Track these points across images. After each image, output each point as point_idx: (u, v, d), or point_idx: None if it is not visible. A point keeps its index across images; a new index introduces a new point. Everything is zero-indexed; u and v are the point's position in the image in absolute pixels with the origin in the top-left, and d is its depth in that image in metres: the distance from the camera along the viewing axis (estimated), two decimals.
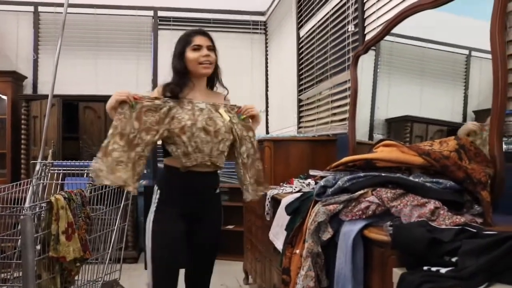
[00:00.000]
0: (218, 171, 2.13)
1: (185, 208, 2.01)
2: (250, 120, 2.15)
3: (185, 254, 2.08)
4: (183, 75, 2.04)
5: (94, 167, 1.90)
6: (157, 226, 2.00)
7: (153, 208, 2.03)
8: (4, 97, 4.71)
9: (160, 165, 5.13)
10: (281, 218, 2.14)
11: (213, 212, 2.12)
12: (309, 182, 2.37)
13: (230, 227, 4.63)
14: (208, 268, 2.18)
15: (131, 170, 1.93)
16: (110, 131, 1.97)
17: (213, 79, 2.16)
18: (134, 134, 1.95)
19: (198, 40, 2.04)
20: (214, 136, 1.99)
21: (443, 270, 1.02)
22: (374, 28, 2.74)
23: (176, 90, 2.00)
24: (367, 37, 2.81)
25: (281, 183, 2.76)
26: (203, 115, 2.00)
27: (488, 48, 1.60)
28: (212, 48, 2.07)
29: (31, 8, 5.12)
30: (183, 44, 2.06)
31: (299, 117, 4.32)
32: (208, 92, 2.15)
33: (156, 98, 2.00)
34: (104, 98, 4.98)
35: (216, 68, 2.13)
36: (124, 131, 1.95)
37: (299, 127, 4.31)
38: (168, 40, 5.26)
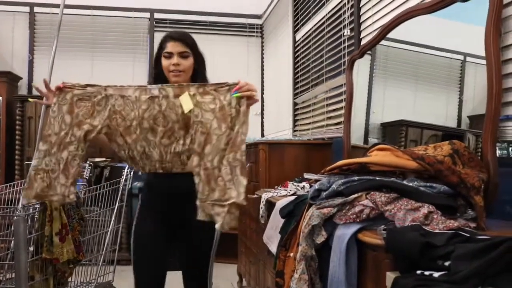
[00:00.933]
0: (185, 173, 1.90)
1: (163, 213, 1.92)
2: (245, 103, 1.70)
3: (166, 258, 1.98)
4: (159, 77, 1.93)
5: (29, 194, 1.71)
6: (136, 231, 1.96)
7: (136, 213, 1.99)
8: None
9: None
10: (276, 221, 2.14)
11: (197, 226, 1.82)
12: (303, 186, 2.37)
13: None
14: (198, 273, 2.01)
15: (61, 173, 1.70)
16: (35, 153, 1.77)
17: (195, 75, 1.96)
18: (66, 130, 1.69)
19: (170, 46, 1.88)
20: (165, 137, 1.72)
21: (436, 274, 1.02)
22: (370, 33, 2.75)
23: None
24: (363, 42, 2.82)
25: (275, 186, 2.76)
26: (152, 109, 1.71)
27: (483, 53, 1.61)
28: (187, 54, 1.89)
29: (27, 9, 5.10)
30: (158, 49, 1.94)
31: (295, 121, 4.32)
32: None
33: (88, 85, 1.74)
34: None
35: (196, 70, 1.94)
36: (52, 130, 1.69)
37: (294, 131, 4.31)
38: None
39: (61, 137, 1.69)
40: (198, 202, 1.68)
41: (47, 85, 1.76)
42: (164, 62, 1.89)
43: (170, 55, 1.88)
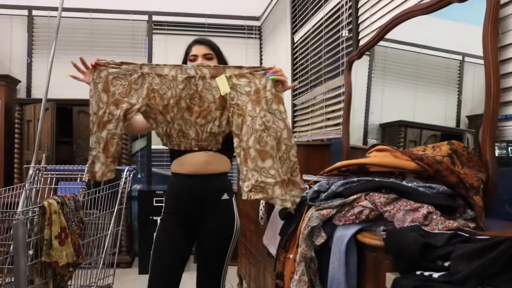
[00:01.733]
0: (225, 174, 2.01)
1: (184, 216, 2.00)
2: (280, 87, 1.76)
3: (183, 264, 2.03)
4: None
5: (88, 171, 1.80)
6: (158, 237, 2.02)
7: (161, 217, 2.06)
8: None
9: (155, 170, 5.14)
10: (275, 223, 2.14)
11: (217, 220, 1.99)
12: None
13: None
14: (212, 275, 2.05)
15: (102, 151, 1.73)
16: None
17: None
18: (103, 109, 1.71)
19: (195, 50, 2.01)
20: (201, 117, 1.77)
21: (435, 275, 1.02)
22: (368, 34, 2.76)
23: None
24: (361, 43, 2.82)
25: None
26: (188, 89, 1.75)
27: (481, 53, 1.62)
28: (211, 56, 2.01)
29: (25, 12, 5.10)
30: (184, 54, 2.06)
31: (293, 122, 4.33)
32: None
33: (123, 63, 1.76)
34: None
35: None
36: (92, 110, 1.71)
37: (293, 132, 4.31)
38: (163, 44, 5.28)
39: (99, 116, 1.70)
40: (240, 182, 1.75)
41: (83, 62, 1.81)
42: (190, 64, 1.95)
43: (195, 58, 1.98)
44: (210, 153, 1.90)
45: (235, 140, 1.74)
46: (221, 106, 1.75)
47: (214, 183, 1.98)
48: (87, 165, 1.79)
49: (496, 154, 1.60)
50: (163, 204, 2.09)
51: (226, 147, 1.91)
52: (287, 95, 4.47)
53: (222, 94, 1.71)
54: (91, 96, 1.72)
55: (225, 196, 2.00)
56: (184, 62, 2.04)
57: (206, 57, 1.99)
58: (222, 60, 2.05)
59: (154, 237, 2.06)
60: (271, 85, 1.69)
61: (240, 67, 1.74)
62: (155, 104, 1.74)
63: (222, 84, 1.69)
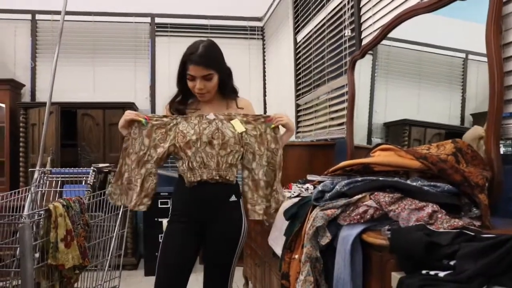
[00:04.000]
0: (232, 182, 2.04)
1: (193, 218, 2.02)
2: (281, 131, 2.11)
3: (190, 266, 2.04)
4: (185, 93, 2.07)
5: (109, 191, 2.05)
6: (166, 239, 2.04)
7: (168, 220, 2.09)
8: (2, 105, 4.71)
9: (160, 171, 5.15)
10: (280, 223, 2.14)
11: (226, 222, 2.03)
12: (307, 187, 2.37)
13: None
14: (220, 276, 2.06)
15: (139, 186, 2.00)
16: (121, 154, 2.05)
17: (223, 88, 2.09)
18: (144, 151, 2.02)
19: (192, 70, 1.95)
20: (222, 148, 1.96)
21: (441, 274, 1.02)
22: (371, 33, 2.75)
23: (180, 109, 2.07)
24: (364, 42, 2.82)
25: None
26: (211, 127, 1.97)
27: (485, 51, 1.61)
28: (210, 75, 1.97)
29: (29, 16, 5.13)
30: (181, 66, 2.00)
31: (297, 122, 4.32)
32: (218, 101, 2.12)
33: (164, 116, 2.05)
34: (102, 105, 5.00)
35: (223, 84, 2.07)
36: (133, 149, 2.02)
37: (297, 132, 4.31)
38: (166, 46, 5.29)
39: (140, 155, 2.02)
40: (249, 206, 2.09)
41: (140, 116, 2.02)
42: (189, 83, 2.01)
43: (193, 78, 1.98)
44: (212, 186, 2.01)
45: (245, 172, 2.08)
46: (238, 141, 2.01)
47: (223, 186, 2.02)
48: (112, 187, 2.08)
49: (501, 152, 1.60)
50: (170, 207, 2.09)
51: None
52: (290, 96, 4.47)
53: (238, 132, 2.02)
54: (134, 138, 2.02)
55: (233, 198, 2.04)
56: (182, 72, 2.01)
57: (205, 78, 1.97)
58: (224, 71, 2.05)
59: (162, 239, 2.07)
60: (270, 130, 2.09)
61: (246, 115, 2.07)
62: (179, 142, 1.97)
63: (237, 125, 2.02)
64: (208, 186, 1.98)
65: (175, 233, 2.02)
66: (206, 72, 1.95)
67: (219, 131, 1.97)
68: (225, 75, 2.06)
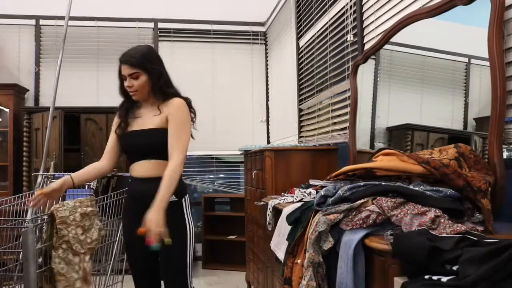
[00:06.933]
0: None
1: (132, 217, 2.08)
2: None
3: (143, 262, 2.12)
4: (126, 97, 2.19)
5: None
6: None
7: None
8: (6, 109, 4.73)
9: None
10: (283, 228, 2.13)
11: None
12: (310, 192, 2.37)
13: (232, 237, 4.62)
14: (164, 279, 2.06)
15: None
16: None
17: (153, 88, 2.09)
18: None
19: (122, 69, 2.09)
20: None
21: (444, 279, 1.02)
22: (373, 38, 2.76)
23: (121, 113, 2.19)
24: (366, 47, 2.82)
25: (282, 193, 2.76)
26: None
27: (487, 55, 1.61)
28: (136, 74, 2.04)
29: (33, 22, 5.15)
30: (119, 70, 2.13)
31: (300, 127, 4.32)
32: (152, 105, 2.12)
33: None
34: (106, 110, 5.00)
35: (153, 85, 2.07)
36: None
37: (300, 137, 4.31)
38: (169, 51, 5.31)
39: None
40: None
41: None
42: (124, 83, 2.11)
43: (124, 77, 2.09)
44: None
45: None
46: None
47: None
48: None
49: (504, 157, 1.59)
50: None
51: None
52: (293, 100, 4.48)
53: None
54: None
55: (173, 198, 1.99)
56: (119, 76, 2.14)
57: (132, 77, 2.06)
58: (152, 72, 2.06)
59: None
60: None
61: None
62: None
63: None
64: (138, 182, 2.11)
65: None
66: (131, 71, 2.05)
67: None
68: (154, 75, 2.07)
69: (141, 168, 2.07)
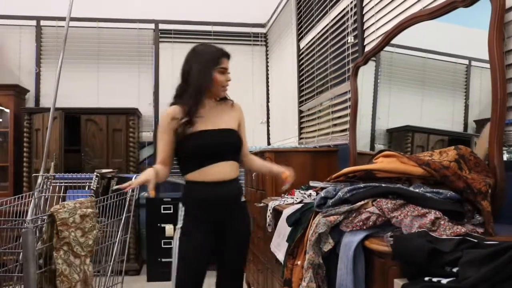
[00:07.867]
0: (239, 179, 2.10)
1: (210, 221, 2.03)
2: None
3: (206, 267, 2.06)
4: (202, 94, 2.01)
5: None
6: (186, 244, 2.01)
7: (179, 224, 2.07)
8: (7, 110, 4.74)
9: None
10: (283, 230, 2.14)
11: (238, 223, 2.11)
12: (310, 193, 2.37)
13: None
14: (237, 275, 2.14)
15: None
16: None
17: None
18: None
19: (225, 63, 2.05)
20: None
21: (444, 281, 1.02)
22: (374, 40, 2.76)
23: (192, 110, 1.97)
24: (367, 48, 2.83)
25: (282, 194, 2.76)
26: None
27: (488, 57, 1.61)
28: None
29: (33, 22, 5.16)
30: (211, 63, 2.00)
31: (300, 128, 4.33)
32: (217, 105, 2.13)
33: None
34: (106, 111, 5.02)
35: None
36: None
37: (300, 138, 4.31)
38: (169, 52, 5.31)
39: None
40: None
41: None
42: (220, 77, 2.03)
43: (225, 71, 2.05)
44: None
45: None
46: None
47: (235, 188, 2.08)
48: None
49: (504, 159, 1.59)
50: (183, 212, 2.07)
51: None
52: (293, 102, 4.48)
53: None
54: None
55: (243, 199, 2.14)
56: (210, 70, 2.01)
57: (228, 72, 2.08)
58: None
59: (178, 245, 2.03)
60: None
61: None
62: None
63: None
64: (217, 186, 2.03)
65: (195, 239, 2.02)
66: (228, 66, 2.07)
67: None
68: None
69: (224, 170, 2.01)
